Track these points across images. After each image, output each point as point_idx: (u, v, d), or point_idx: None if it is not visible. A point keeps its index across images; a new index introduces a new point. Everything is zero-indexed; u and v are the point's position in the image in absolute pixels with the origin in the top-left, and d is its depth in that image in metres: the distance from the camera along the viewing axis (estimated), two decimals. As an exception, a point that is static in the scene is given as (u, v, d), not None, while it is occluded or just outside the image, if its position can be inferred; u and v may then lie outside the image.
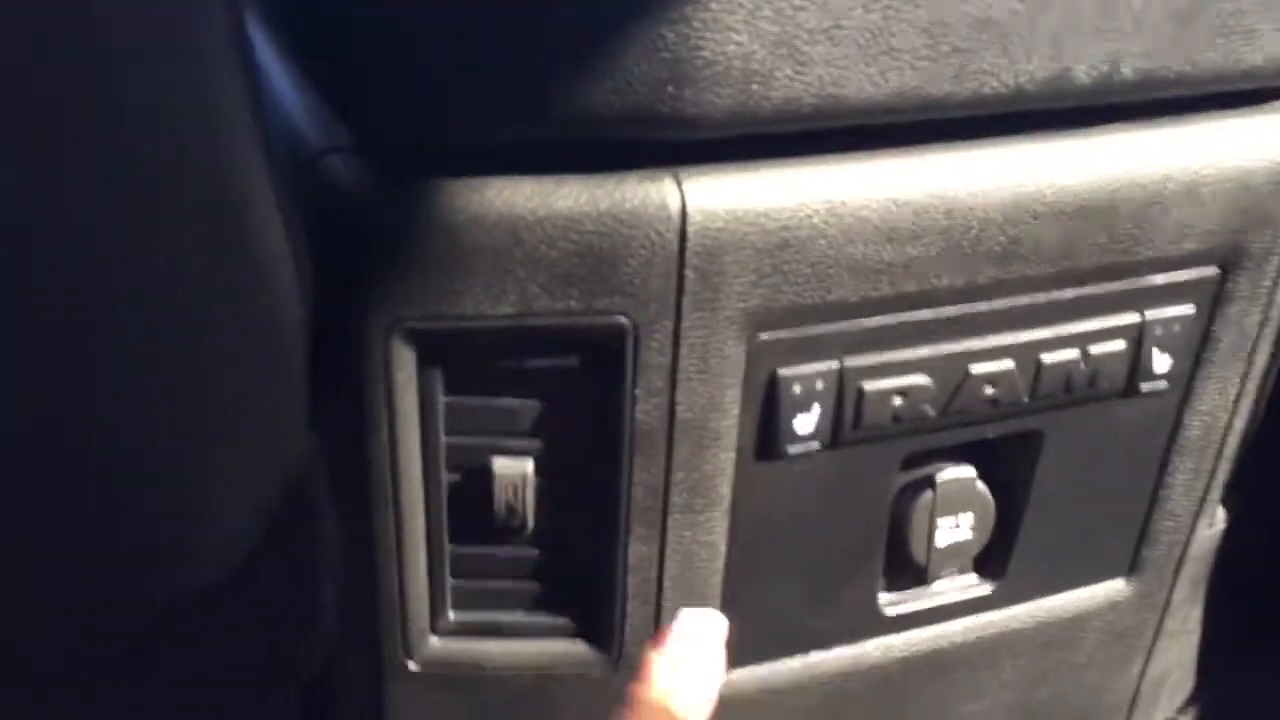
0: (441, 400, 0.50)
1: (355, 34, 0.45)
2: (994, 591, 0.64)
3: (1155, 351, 0.59)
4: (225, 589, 0.35)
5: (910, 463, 0.58)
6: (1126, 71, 0.50)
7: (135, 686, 0.35)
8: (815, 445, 0.54)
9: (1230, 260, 0.58)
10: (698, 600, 0.56)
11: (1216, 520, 0.70)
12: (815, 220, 0.49)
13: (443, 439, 0.51)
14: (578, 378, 0.50)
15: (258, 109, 0.36)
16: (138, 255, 0.31)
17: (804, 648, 0.61)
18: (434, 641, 0.56)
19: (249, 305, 0.34)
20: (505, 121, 0.45)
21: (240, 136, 0.34)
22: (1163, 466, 0.64)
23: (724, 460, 0.53)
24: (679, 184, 0.47)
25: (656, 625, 0.56)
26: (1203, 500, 0.67)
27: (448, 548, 0.54)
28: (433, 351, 0.49)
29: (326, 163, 0.48)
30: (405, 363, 0.49)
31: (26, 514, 0.31)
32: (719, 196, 0.47)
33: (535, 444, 0.52)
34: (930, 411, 0.55)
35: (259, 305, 0.34)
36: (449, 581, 0.55)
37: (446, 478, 0.52)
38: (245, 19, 0.34)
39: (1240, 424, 0.65)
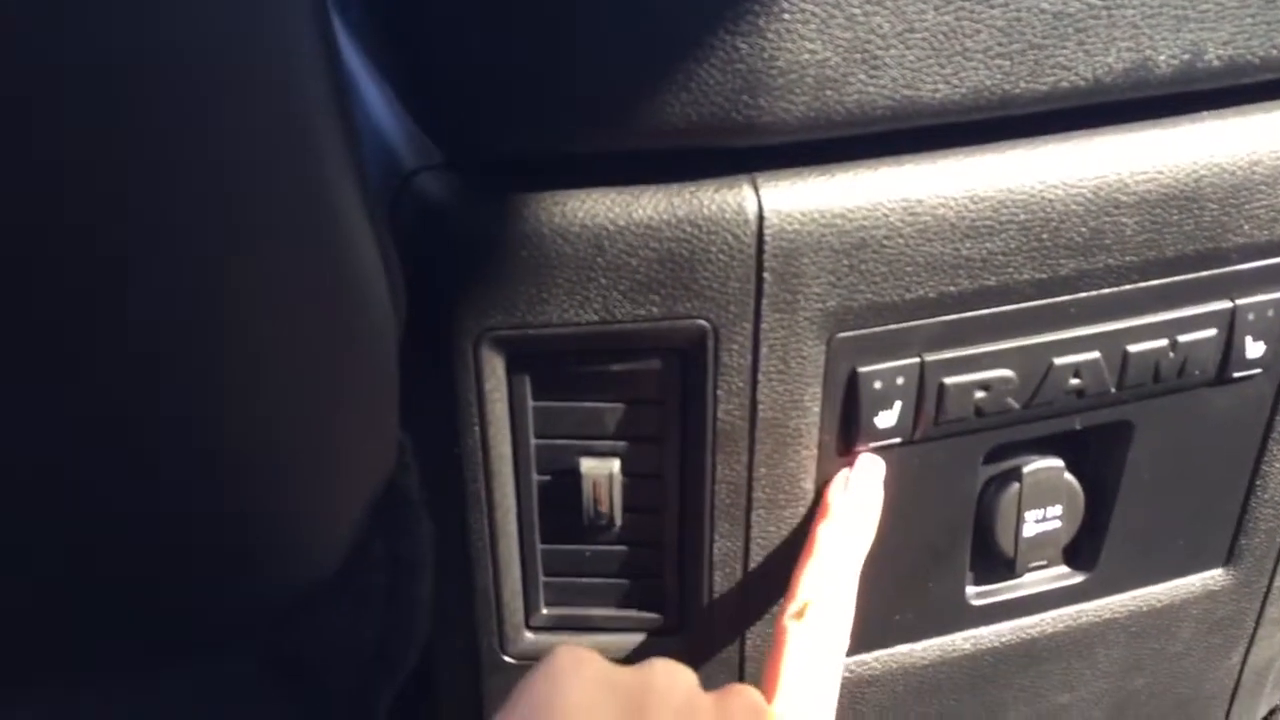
0: (530, 404, 0.52)
1: (440, 54, 0.47)
2: (1085, 582, 0.63)
3: (1248, 339, 0.58)
4: (330, 586, 0.37)
5: (996, 455, 0.58)
6: (1210, 59, 0.50)
7: (245, 681, 0.37)
8: (897, 440, 0.54)
9: (1327, 243, 0.57)
10: (783, 593, 0.57)
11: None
12: (891, 219, 0.49)
13: (532, 441, 0.53)
14: (661, 380, 0.51)
15: (351, 132, 0.38)
16: (238, 277, 0.33)
17: (892, 641, 0.61)
18: (528, 636, 0.58)
19: (345, 317, 0.36)
20: (586, 135, 0.47)
21: (332, 162, 0.36)
22: (1260, 453, 0.63)
23: (806, 457, 0.53)
24: (755, 189, 0.48)
25: (742, 620, 0.57)
26: (1304, 487, 0.65)
27: (539, 546, 0.56)
28: (521, 358, 0.51)
29: (419, 180, 0.50)
30: (495, 369, 0.51)
31: (139, 516, 0.33)
32: (795, 199, 0.48)
33: (621, 445, 0.53)
34: (1014, 404, 0.55)
35: (354, 317, 0.36)
36: (541, 578, 0.57)
37: (537, 479, 0.54)
38: (337, 42, 0.36)
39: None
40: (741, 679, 0.59)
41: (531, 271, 0.48)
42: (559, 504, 0.54)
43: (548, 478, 0.54)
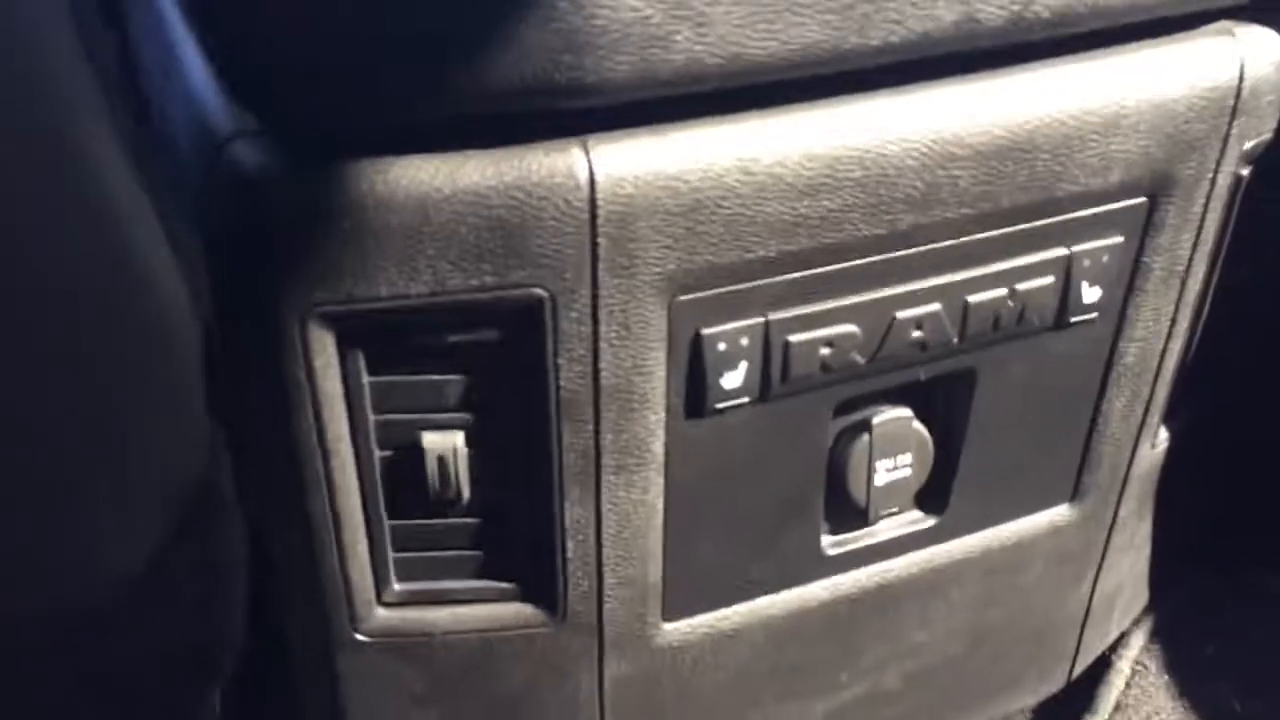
0: (366, 380, 0.50)
1: (254, 19, 0.44)
2: (937, 525, 0.65)
3: (1084, 284, 0.59)
4: (135, 588, 0.36)
5: (845, 408, 0.59)
6: (1038, 9, 0.50)
7: (52, 690, 0.35)
8: (744, 400, 0.54)
9: (1158, 189, 0.58)
10: (638, 556, 0.57)
11: (1159, 439, 0.71)
12: (727, 180, 0.48)
13: (371, 418, 0.51)
14: (500, 350, 0.50)
15: (117, 110, 0.35)
16: (19, 274, 0.31)
17: (751, 594, 0.62)
18: (381, 613, 0.56)
19: (134, 314, 0.34)
20: (407, 101, 0.45)
21: (111, 159, 0.33)
22: (1100, 393, 0.65)
23: (653, 421, 0.53)
24: (586, 152, 0.46)
25: (598, 586, 0.56)
26: (1143, 422, 0.68)
27: (386, 522, 0.54)
28: (352, 333, 0.49)
29: (233, 148, 0.47)
30: (325, 346, 0.49)
31: None
32: (628, 162, 0.47)
33: (464, 417, 0.52)
34: (859, 359, 0.55)
35: (145, 314, 0.34)
36: (391, 555, 0.55)
37: (379, 455, 0.52)
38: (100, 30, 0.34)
39: (1177, 346, 0.66)
40: (600, 644, 0.59)
41: (356, 243, 0.46)
42: (404, 479, 0.53)
43: (390, 454, 0.52)
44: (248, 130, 0.47)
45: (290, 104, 0.46)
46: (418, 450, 0.52)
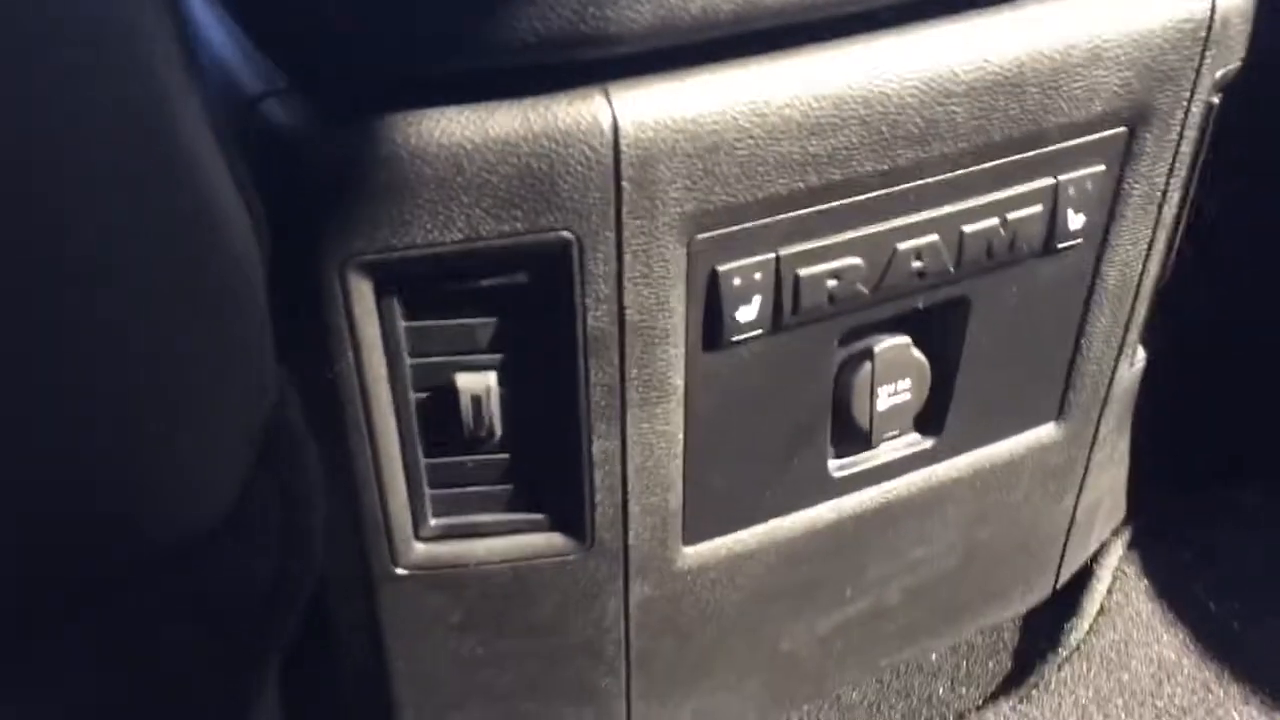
0: (402, 325, 0.53)
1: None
2: (934, 446, 0.68)
3: (1070, 211, 0.62)
4: (224, 521, 0.38)
5: (849, 337, 0.62)
6: (1028, -50, 0.52)
7: (147, 619, 0.38)
8: (758, 332, 0.57)
9: (1137, 119, 0.61)
10: (660, 485, 0.60)
11: (1137, 359, 0.75)
12: (741, 122, 0.51)
13: (407, 362, 0.54)
14: (529, 292, 0.53)
15: (195, 64, 0.37)
16: (93, 224, 0.33)
17: (763, 517, 0.65)
18: (419, 547, 0.59)
19: (210, 259, 0.36)
20: (435, 55, 0.47)
21: (180, 97, 0.35)
22: (1084, 316, 0.68)
23: (674, 355, 0.56)
24: (609, 99, 0.49)
25: (624, 513, 0.60)
26: (1122, 343, 0.71)
27: (423, 461, 0.57)
28: (389, 281, 0.51)
29: (265, 107, 0.49)
30: (363, 294, 0.51)
31: (22, 482, 0.33)
32: (648, 108, 0.49)
33: (496, 358, 0.54)
34: (863, 290, 0.58)
35: (216, 254, 0.36)
36: (427, 491, 0.58)
37: (414, 397, 0.55)
38: None
39: (1154, 269, 0.69)
40: (625, 569, 0.62)
41: (391, 195, 0.48)
42: (439, 419, 0.56)
43: (425, 395, 0.55)
44: (277, 88, 0.49)
45: (320, 61, 0.48)
46: (452, 391, 0.55)
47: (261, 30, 0.50)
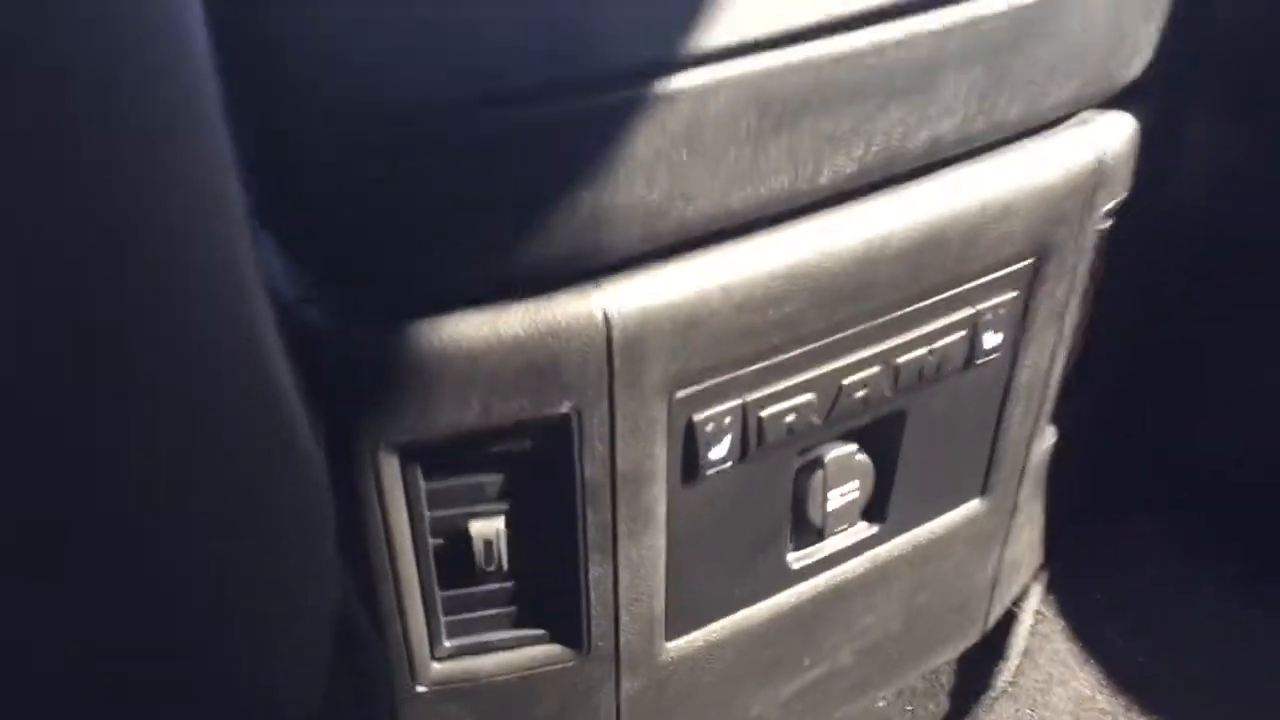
0: (424, 487, 0.60)
1: (332, 214, 0.52)
2: (878, 532, 0.78)
3: (988, 333, 0.72)
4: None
5: (804, 450, 0.71)
6: (948, 139, 0.61)
7: None
8: (728, 465, 0.65)
9: (1041, 252, 0.71)
10: (646, 595, 0.68)
11: (1047, 437, 0.85)
12: (712, 302, 0.59)
13: (427, 515, 0.61)
14: (535, 455, 0.60)
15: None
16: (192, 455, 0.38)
17: (734, 609, 0.74)
18: (435, 666, 0.67)
19: (297, 460, 0.43)
20: (457, 272, 0.54)
21: (251, 287, 0.40)
22: (1001, 410, 0.78)
23: (657, 492, 0.64)
24: (601, 295, 0.57)
25: (616, 625, 0.68)
26: (1034, 427, 0.82)
27: (439, 594, 0.64)
28: (412, 454, 0.58)
29: (299, 310, 0.55)
30: (391, 466, 0.58)
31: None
32: (634, 298, 0.57)
33: (504, 506, 0.62)
34: (816, 420, 0.67)
35: (300, 459, 0.43)
36: (443, 619, 0.65)
37: (433, 543, 0.62)
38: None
39: (1059, 366, 0.79)
40: (617, 668, 0.70)
41: (416, 389, 0.56)
42: (454, 559, 0.63)
43: (442, 540, 0.62)
44: (311, 295, 0.56)
45: (353, 272, 0.55)
46: (466, 536, 0.62)
47: (292, 239, 0.56)
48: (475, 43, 0.48)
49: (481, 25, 0.48)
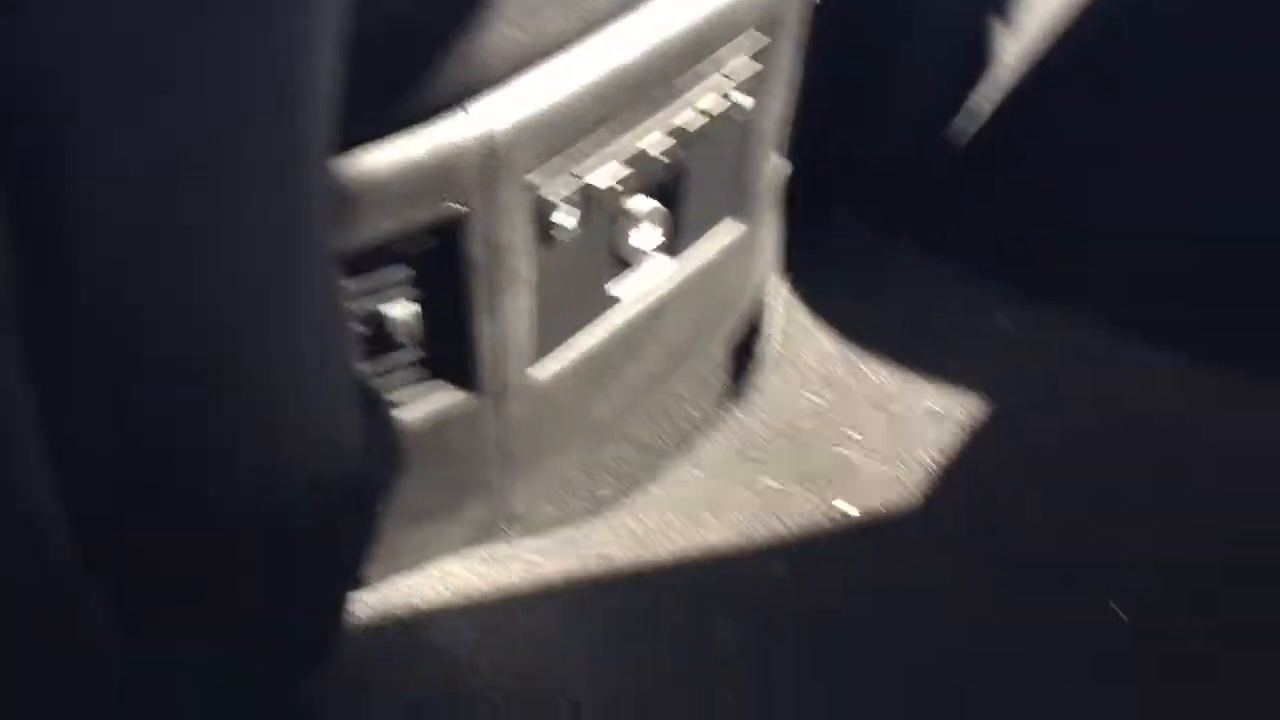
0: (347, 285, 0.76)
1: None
2: (674, 261, 1.00)
3: (741, 95, 0.93)
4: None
5: (620, 206, 0.91)
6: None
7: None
8: (574, 227, 0.85)
9: (774, 30, 0.92)
10: (519, 337, 0.88)
11: (776, 164, 1.09)
12: (561, 104, 0.77)
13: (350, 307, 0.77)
14: (435, 247, 0.77)
15: None
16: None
17: (578, 331, 0.95)
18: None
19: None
20: (365, 115, 0.68)
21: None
22: (752, 152, 1.01)
23: (526, 258, 0.83)
24: (481, 113, 0.73)
25: (499, 363, 0.87)
26: (769, 159, 1.05)
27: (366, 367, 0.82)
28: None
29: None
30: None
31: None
32: (506, 112, 0.74)
33: (413, 290, 0.79)
34: (634, 184, 0.87)
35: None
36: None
37: (359, 328, 0.79)
38: None
39: (789, 114, 1.02)
40: (501, 396, 0.90)
41: (341, 215, 0.70)
42: (376, 338, 0.80)
43: (365, 326, 0.79)
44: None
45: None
46: (382, 318, 0.79)
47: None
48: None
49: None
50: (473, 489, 0.96)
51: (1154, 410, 1.11)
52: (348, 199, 0.69)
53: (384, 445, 0.68)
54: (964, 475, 1.07)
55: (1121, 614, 0.94)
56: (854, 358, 1.17)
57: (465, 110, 0.72)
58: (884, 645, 0.94)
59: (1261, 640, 0.93)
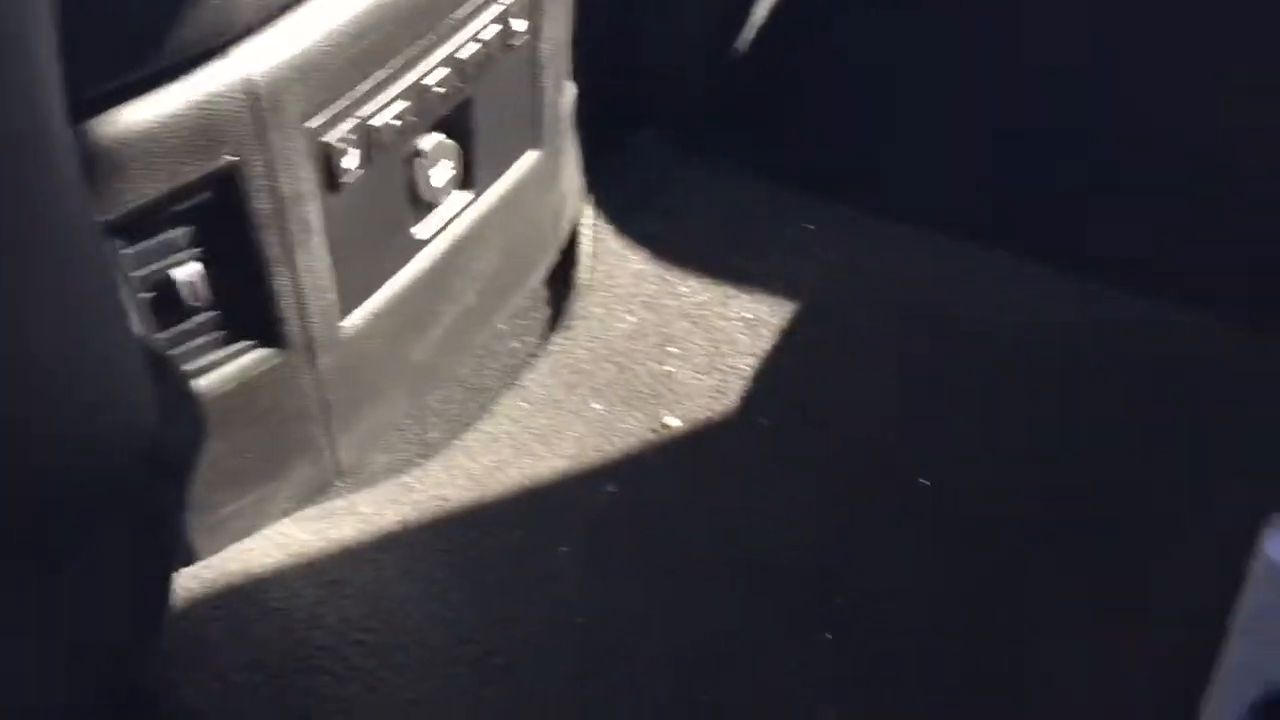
0: (130, 250, 0.73)
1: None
2: (472, 196, 0.99)
3: (515, 20, 0.92)
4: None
5: (408, 145, 0.90)
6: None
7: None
8: (359, 170, 0.83)
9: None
10: (320, 289, 0.86)
11: (568, 91, 1.09)
12: (326, 42, 0.75)
13: (131, 276, 0.74)
14: (215, 202, 0.75)
15: None
16: None
17: (384, 279, 0.94)
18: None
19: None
20: (115, 69, 0.65)
21: None
22: (536, 79, 1.00)
23: (312, 206, 0.81)
24: (241, 57, 0.70)
25: (303, 317, 0.86)
26: (559, 86, 1.05)
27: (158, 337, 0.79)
28: (111, 230, 0.71)
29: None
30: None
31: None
32: (268, 54, 0.72)
33: (199, 250, 0.77)
34: (414, 119, 0.86)
35: None
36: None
37: (144, 297, 0.76)
38: None
39: (568, 36, 1.02)
40: (311, 350, 0.89)
41: (103, 178, 0.68)
42: (168, 304, 0.77)
43: (154, 293, 0.76)
44: None
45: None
46: (171, 282, 0.77)
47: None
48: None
49: None
50: (297, 448, 0.95)
51: (959, 298, 1.17)
52: (107, 159, 0.66)
53: (181, 408, 0.66)
54: (781, 377, 1.10)
55: (924, 481, 1.00)
56: (666, 275, 1.19)
57: (234, 52, 0.70)
58: (716, 549, 0.97)
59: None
